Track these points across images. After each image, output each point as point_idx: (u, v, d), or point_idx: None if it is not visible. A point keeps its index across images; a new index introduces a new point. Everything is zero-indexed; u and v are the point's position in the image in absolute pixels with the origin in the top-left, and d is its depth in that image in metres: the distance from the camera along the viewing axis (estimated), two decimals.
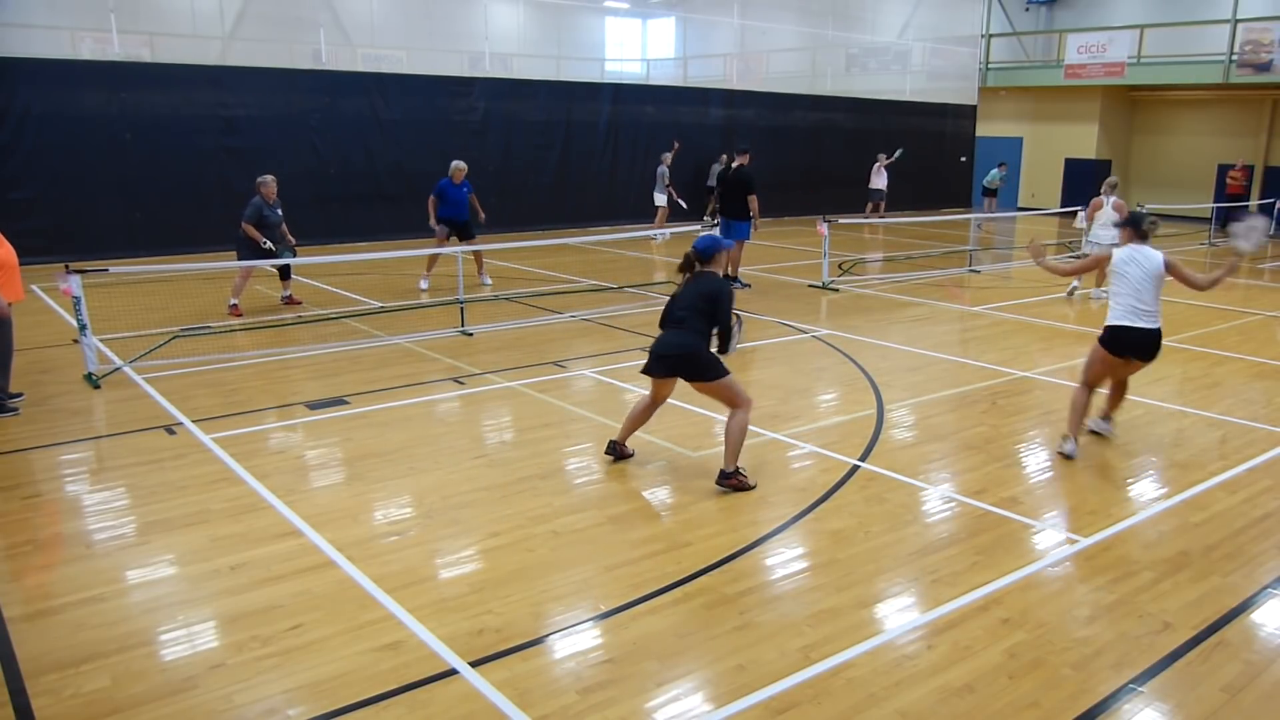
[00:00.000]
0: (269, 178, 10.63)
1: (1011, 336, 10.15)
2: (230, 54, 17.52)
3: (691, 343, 5.60)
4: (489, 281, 12.80)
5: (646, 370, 5.83)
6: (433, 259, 12.32)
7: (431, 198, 12.16)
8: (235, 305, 10.81)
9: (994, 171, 23.21)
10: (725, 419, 5.68)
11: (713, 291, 5.66)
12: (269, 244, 10.40)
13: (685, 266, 5.83)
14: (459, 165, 12.15)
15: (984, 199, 23.62)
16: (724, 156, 19.41)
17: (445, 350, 9.09)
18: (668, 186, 18.25)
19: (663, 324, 5.83)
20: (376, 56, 20.44)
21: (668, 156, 18.49)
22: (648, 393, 6.07)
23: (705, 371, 5.63)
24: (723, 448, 5.65)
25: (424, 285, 12.32)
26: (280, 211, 10.72)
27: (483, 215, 12.57)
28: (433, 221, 12.20)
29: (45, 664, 3.75)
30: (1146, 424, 7.10)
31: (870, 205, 22.42)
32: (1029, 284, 14.04)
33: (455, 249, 11.30)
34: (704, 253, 5.79)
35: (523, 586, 4.42)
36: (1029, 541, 5.02)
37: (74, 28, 16.81)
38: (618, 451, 6.11)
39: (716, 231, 11.80)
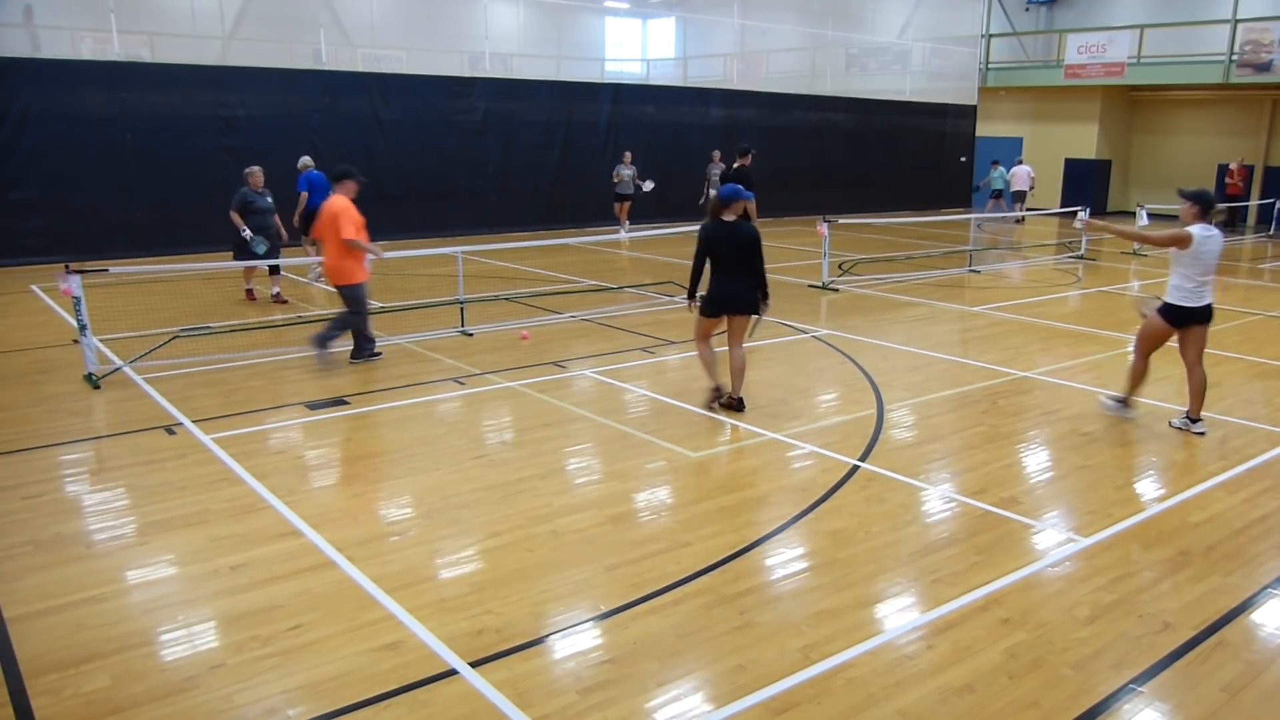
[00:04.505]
0: (255, 168, 11.00)
1: (1011, 336, 10.15)
2: (230, 54, 17.53)
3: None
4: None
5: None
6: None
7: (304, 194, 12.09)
8: (251, 290, 11.37)
9: (994, 172, 23.35)
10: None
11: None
12: (247, 231, 10.55)
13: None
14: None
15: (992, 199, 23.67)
16: (716, 154, 19.50)
17: (445, 350, 9.09)
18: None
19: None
20: (376, 56, 20.45)
21: (717, 154, 19.10)
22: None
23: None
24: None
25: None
26: (270, 199, 11.02)
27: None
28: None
29: (45, 664, 3.75)
30: (1146, 424, 7.10)
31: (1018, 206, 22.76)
32: (1029, 284, 14.04)
33: (456, 248, 11.13)
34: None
35: (523, 586, 4.42)
36: (1029, 541, 5.02)
37: (74, 28, 16.83)
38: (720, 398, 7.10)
39: None
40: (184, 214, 15.01)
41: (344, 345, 8.59)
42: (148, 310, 10.47)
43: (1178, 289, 6.65)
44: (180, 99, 15.13)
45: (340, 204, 8.04)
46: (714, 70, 26.11)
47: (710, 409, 7.07)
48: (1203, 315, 6.67)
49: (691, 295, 7.08)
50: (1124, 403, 7.13)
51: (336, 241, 8.03)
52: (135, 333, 9.39)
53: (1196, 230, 6.52)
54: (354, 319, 8.35)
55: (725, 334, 7.07)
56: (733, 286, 6.85)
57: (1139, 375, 7.01)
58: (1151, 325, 6.84)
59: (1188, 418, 6.92)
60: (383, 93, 17.30)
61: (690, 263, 7.05)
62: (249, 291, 11.51)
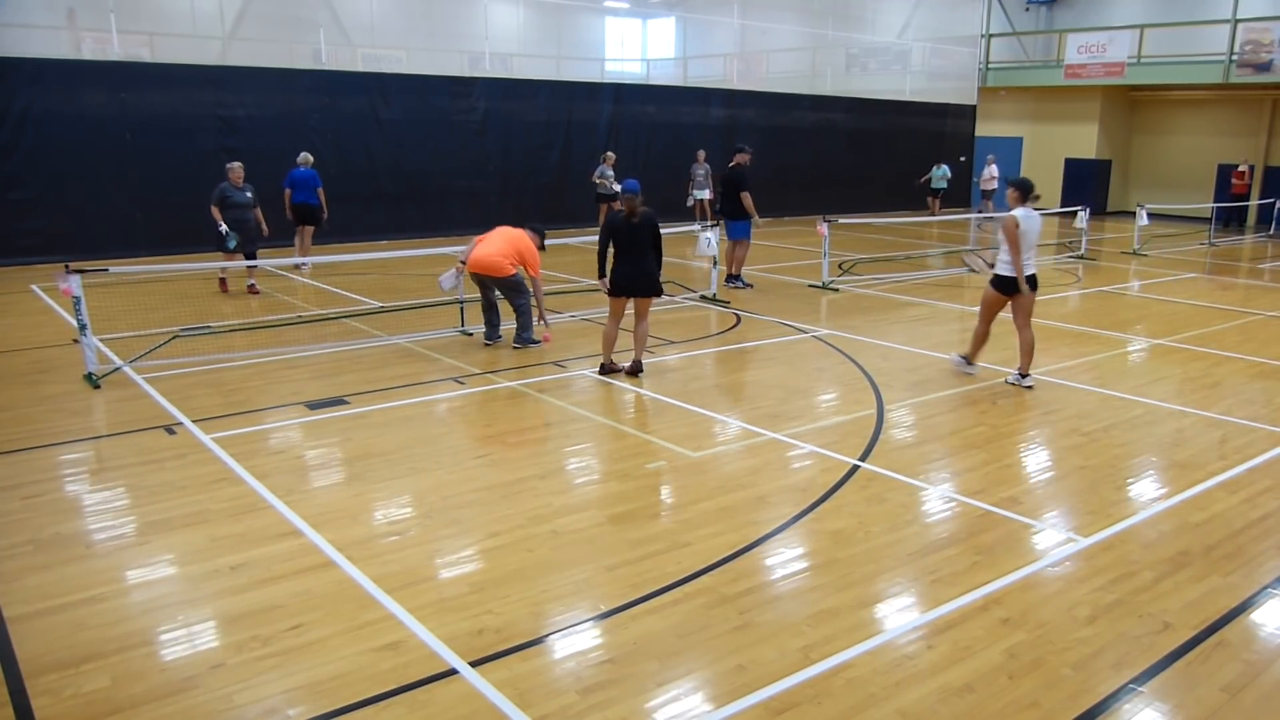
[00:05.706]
0: (235, 164, 11.60)
1: (1011, 336, 10.06)
2: (230, 54, 17.52)
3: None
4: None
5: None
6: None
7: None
8: (224, 281, 12.11)
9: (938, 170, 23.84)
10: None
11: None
12: (224, 226, 11.18)
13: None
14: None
15: (932, 200, 24.00)
16: (701, 153, 19.50)
17: (445, 350, 9.09)
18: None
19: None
20: (376, 56, 20.45)
21: (702, 154, 19.42)
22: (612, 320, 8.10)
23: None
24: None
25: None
26: (250, 195, 11.60)
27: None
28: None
29: (45, 664, 3.75)
30: (1146, 424, 7.10)
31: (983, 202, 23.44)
32: None
33: (457, 248, 11.15)
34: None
35: (523, 586, 4.42)
36: (1029, 541, 5.02)
37: (74, 27, 16.80)
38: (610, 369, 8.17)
39: (714, 233, 11.76)
40: (184, 214, 14.95)
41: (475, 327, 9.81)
42: (148, 310, 10.46)
43: (1007, 264, 7.78)
44: (180, 99, 15.11)
45: (530, 245, 9.28)
46: (714, 70, 26.10)
47: (601, 373, 8.17)
48: (1030, 283, 7.79)
49: (601, 274, 8.22)
50: (968, 360, 8.34)
51: (500, 247, 9.07)
52: (135, 332, 9.38)
53: (1019, 213, 7.66)
54: (527, 304, 9.40)
55: (633, 312, 8.16)
56: (633, 269, 7.89)
57: (981, 339, 8.24)
58: (987, 297, 8.04)
59: (1019, 374, 8.03)
60: (383, 93, 17.29)
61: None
62: (222, 281, 12.08)
